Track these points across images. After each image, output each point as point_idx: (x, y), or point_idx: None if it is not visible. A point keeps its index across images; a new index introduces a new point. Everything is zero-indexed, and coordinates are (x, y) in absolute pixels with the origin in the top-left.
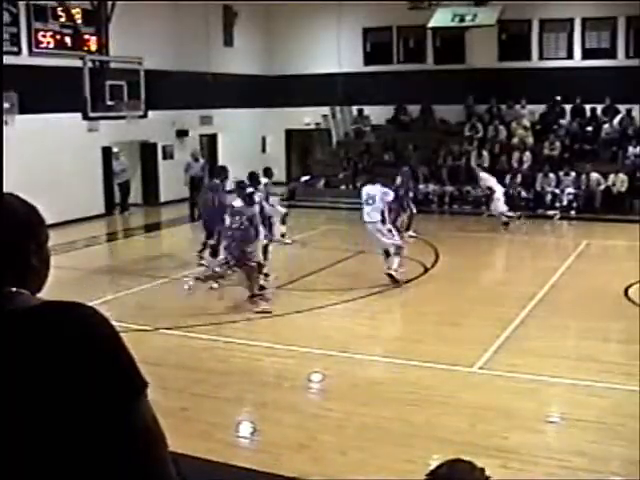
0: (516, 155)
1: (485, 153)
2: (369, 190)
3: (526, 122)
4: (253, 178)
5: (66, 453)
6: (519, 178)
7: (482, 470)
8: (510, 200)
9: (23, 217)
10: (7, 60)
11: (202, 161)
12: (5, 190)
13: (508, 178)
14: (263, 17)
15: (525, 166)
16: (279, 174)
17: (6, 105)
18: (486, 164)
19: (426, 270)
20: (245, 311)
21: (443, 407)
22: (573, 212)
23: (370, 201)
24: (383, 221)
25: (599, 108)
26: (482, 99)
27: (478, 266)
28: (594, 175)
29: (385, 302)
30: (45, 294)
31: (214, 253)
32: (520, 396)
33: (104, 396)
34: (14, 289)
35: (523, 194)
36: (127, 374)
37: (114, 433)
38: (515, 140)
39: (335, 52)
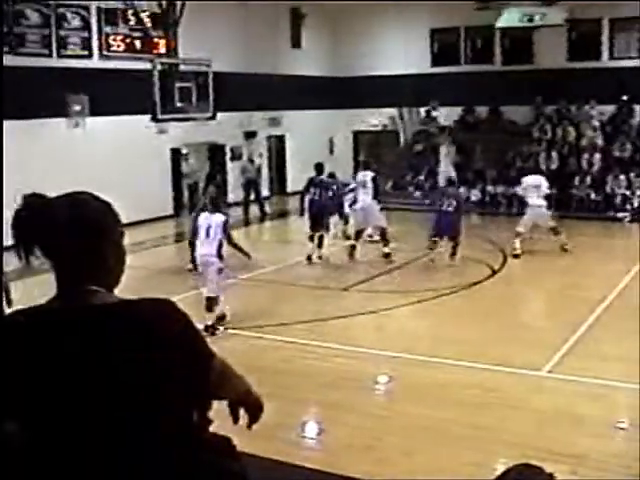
0: (585, 156)
1: (554, 154)
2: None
3: (595, 123)
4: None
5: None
6: (589, 180)
7: (551, 476)
8: (580, 202)
9: (97, 215)
10: (78, 64)
11: (258, 163)
12: (69, 192)
13: (577, 180)
14: (330, 19)
15: (595, 168)
16: (347, 175)
17: (77, 107)
18: (555, 166)
19: (494, 272)
20: (313, 312)
21: (510, 410)
22: None
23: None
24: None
25: None
26: (551, 100)
27: (547, 268)
28: None
29: (452, 304)
30: (116, 293)
31: (320, 244)
32: (589, 401)
33: (184, 382)
34: (92, 287)
35: (593, 196)
36: (202, 361)
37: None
38: (584, 141)
39: (402, 53)
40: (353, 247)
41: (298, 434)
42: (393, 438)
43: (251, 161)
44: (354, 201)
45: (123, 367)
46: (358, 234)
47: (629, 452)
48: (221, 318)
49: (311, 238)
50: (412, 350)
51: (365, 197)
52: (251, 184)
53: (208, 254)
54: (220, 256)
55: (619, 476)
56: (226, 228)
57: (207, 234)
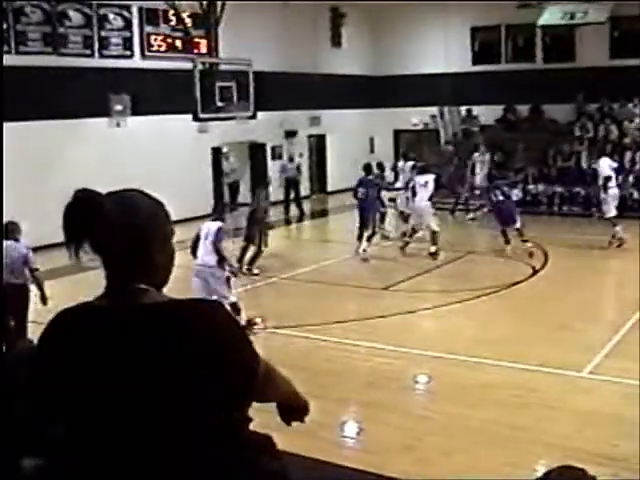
0: (628, 155)
1: (596, 153)
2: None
3: (639, 121)
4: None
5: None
6: (631, 179)
7: (594, 478)
8: (622, 201)
9: (148, 213)
10: (120, 63)
11: (297, 162)
12: (118, 189)
13: (620, 179)
14: (370, 18)
15: (638, 166)
16: (388, 174)
17: (119, 107)
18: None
19: (535, 272)
20: (354, 312)
21: (551, 411)
22: None
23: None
24: None
25: None
26: (593, 98)
27: (588, 268)
28: None
29: (493, 304)
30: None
31: (363, 241)
32: (631, 402)
33: (230, 380)
34: (141, 286)
35: (635, 195)
36: (249, 365)
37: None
38: (627, 140)
39: (443, 51)
40: (405, 244)
41: (339, 433)
42: (433, 438)
43: (291, 160)
44: (393, 199)
45: (170, 366)
46: (413, 232)
47: None
48: None
49: (359, 237)
50: (452, 350)
51: (424, 196)
52: (291, 183)
53: (205, 264)
54: (221, 265)
55: None
56: (218, 236)
57: (205, 243)
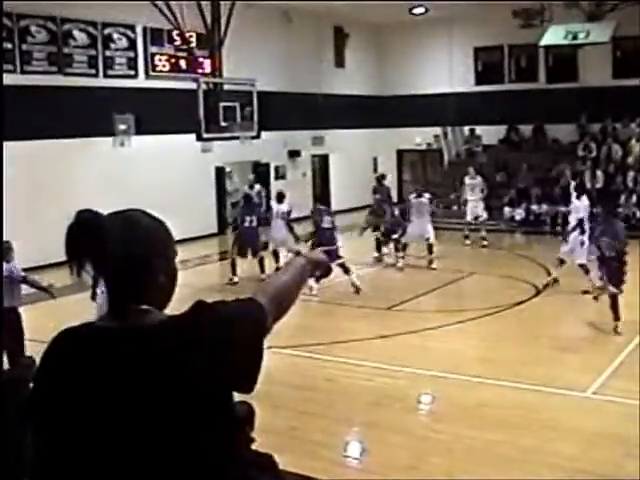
0: (631, 175)
1: (599, 173)
2: None
3: None
4: None
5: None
6: (634, 198)
7: None
8: (625, 220)
9: (150, 233)
10: (125, 83)
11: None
12: (121, 209)
13: (623, 198)
14: (374, 38)
15: None
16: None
17: (123, 126)
18: (600, 184)
19: (538, 292)
20: (357, 332)
21: (554, 432)
22: None
23: None
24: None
25: None
26: (596, 118)
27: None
28: None
29: (497, 324)
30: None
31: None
32: (635, 423)
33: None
34: (143, 306)
35: (638, 214)
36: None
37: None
38: (630, 159)
39: (446, 72)
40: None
41: (341, 453)
42: (436, 459)
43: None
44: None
45: (172, 387)
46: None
47: None
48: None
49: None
50: (455, 370)
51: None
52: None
53: None
54: None
55: None
56: None
57: None
